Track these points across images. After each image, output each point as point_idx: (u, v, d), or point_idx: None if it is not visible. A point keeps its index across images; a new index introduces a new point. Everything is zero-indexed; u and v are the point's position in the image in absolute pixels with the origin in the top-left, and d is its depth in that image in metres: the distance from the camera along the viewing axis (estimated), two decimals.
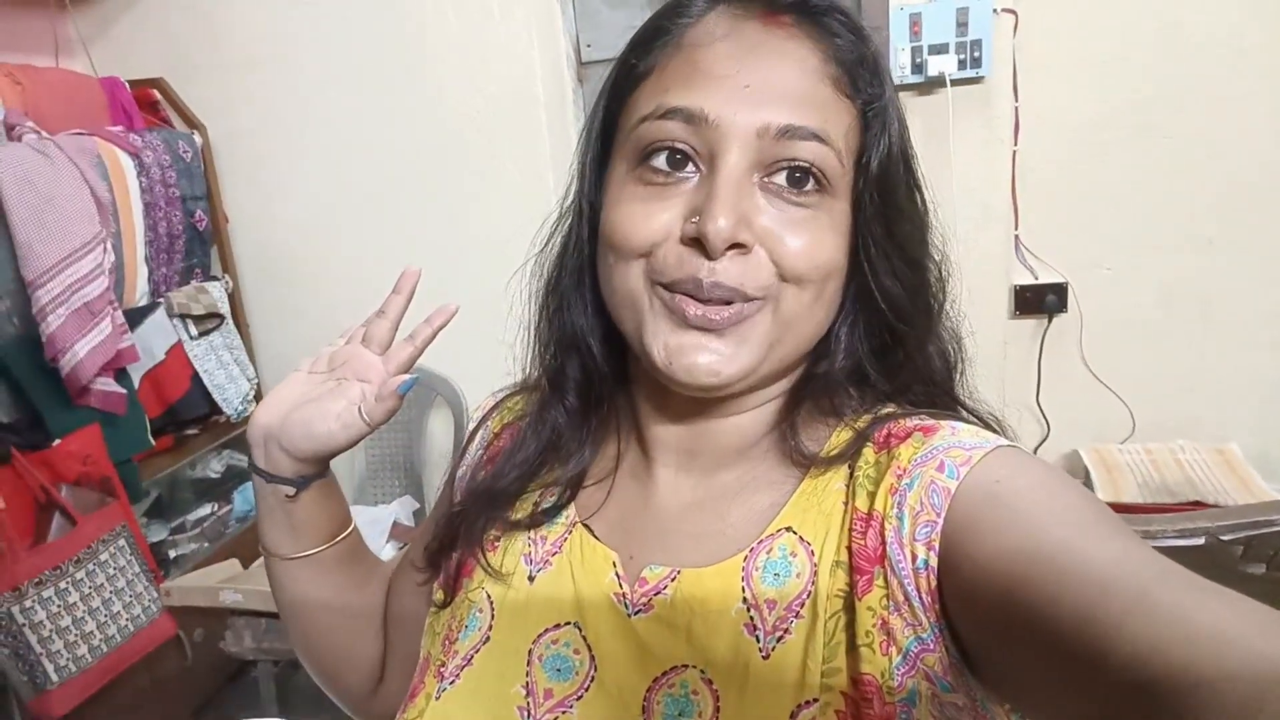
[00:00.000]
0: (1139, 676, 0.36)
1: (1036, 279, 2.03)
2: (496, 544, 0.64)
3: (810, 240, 0.52)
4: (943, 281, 0.59)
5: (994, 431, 0.55)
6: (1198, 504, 1.71)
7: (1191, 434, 1.95)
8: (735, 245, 0.51)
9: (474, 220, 2.16)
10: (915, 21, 1.82)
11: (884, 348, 0.59)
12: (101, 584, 1.65)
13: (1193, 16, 1.83)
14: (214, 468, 2.22)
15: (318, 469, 0.67)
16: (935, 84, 1.83)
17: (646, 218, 0.53)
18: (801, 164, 0.52)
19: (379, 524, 2.04)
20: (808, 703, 0.49)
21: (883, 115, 0.54)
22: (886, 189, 0.55)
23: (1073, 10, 1.86)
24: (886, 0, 1.84)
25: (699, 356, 0.52)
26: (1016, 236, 2.01)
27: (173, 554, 2.11)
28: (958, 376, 0.61)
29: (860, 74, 0.54)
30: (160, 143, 2.04)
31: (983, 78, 1.85)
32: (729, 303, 0.52)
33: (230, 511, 2.27)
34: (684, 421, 0.60)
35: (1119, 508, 1.73)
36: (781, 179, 0.52)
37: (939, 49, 1.82)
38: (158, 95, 2.22)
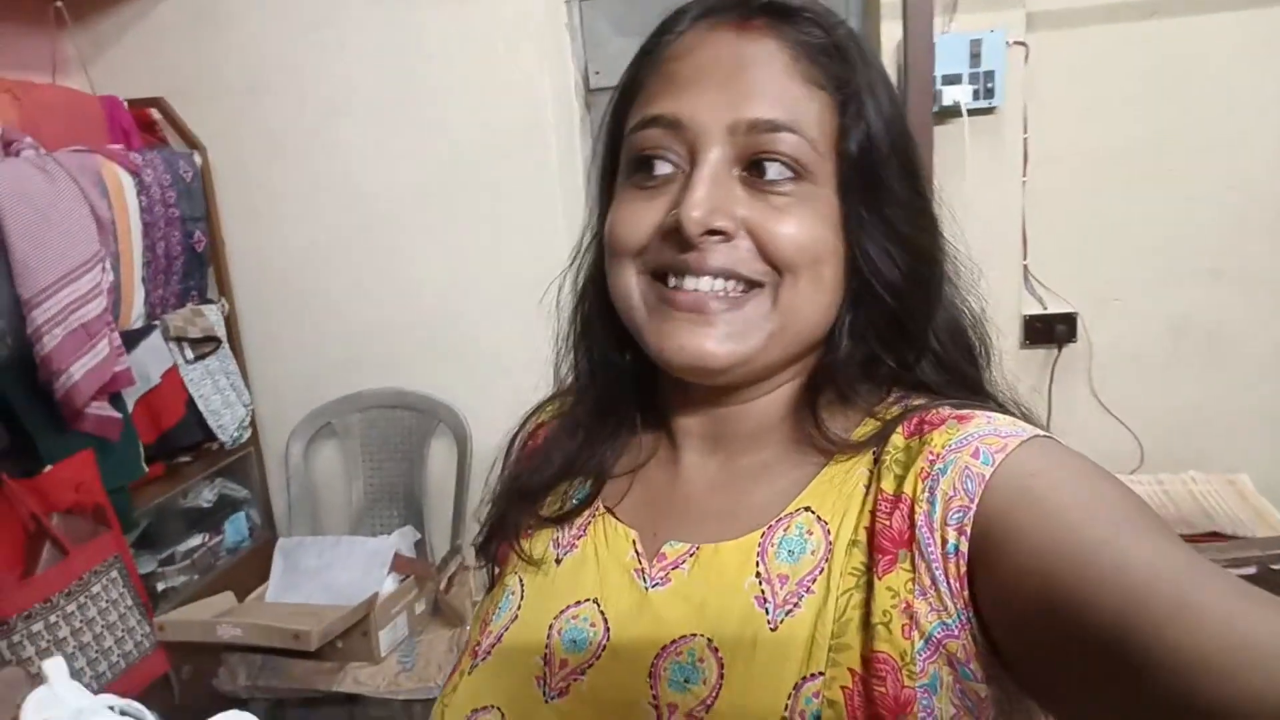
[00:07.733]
0: (1181, 686, 0.34)
1: (1045, 309, 2.04)
2: (530, 533, 0.67)
3: (792, 226, 0.54)
4: (937, 260, 0.59)
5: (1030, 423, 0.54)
6: (1215, 535, 1.69)
7: (1200, 465, 1.94)
8: (714, 232, 0.54)
9: (481, 247, 2.14)
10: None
11: (892, 332, 0.59)
12: (93, 618, 1.57)
13: (1199, 53, 1.86)
14: (206, 497, 2.15)
15: None
16: (950, 114, 1.84)
17: (638, 217, 0.57)
18: (776, 155, 0.54)
19: (379, 556, 1.98)
20: (812, 676, 0.50)
21: (857, 99, 0.55)
22: (870, 169, 0.56)
23: (1082, 45, 1.89)
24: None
25: (688, 340, 0.55)
26: (1025, 267, 2.02)
27: (161, 586, 2.02)
28: (986, 368, 0.61)
29: (829, 64, 0.55)
30: (161, 162, 1.99)
31: (995, 108, 1.87)
32: (724, 281, 0.55)
33: (221, 542, 2.19)
34: (704, 407, 0.63)
35: None
36: (759, 170, 0.55)
37: (952, 79, 1.83)
38: (156, 115, 2.17)
